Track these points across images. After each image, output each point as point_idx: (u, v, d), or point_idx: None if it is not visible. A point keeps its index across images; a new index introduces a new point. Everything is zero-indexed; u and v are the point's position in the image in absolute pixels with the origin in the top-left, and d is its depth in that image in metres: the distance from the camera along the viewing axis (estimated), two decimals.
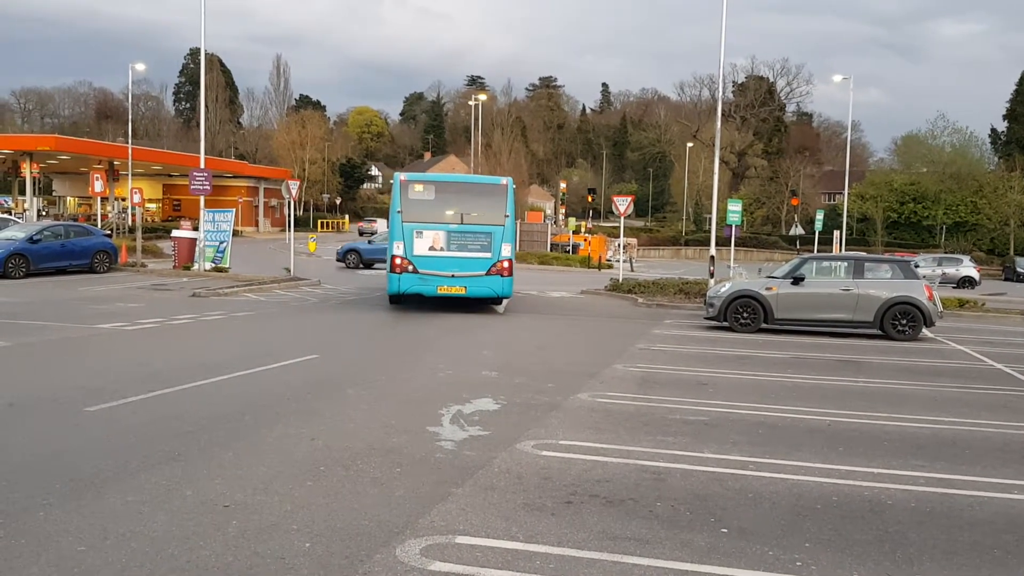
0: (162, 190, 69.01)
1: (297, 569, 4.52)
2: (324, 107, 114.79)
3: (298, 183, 30.33)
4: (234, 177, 64.86)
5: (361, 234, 59.32)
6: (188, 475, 6.06)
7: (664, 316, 19.70)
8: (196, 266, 26.06)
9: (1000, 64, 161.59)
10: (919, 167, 73.23)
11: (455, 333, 15.06)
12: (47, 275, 23.44)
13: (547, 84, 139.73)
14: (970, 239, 65.30)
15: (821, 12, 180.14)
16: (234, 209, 31.93)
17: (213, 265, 25.89)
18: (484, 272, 17.60)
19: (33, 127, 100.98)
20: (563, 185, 72.32)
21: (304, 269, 28.17)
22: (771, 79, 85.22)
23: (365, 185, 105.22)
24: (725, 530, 5.37)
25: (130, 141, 49.80)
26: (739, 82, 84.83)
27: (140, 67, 54.47)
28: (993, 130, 77.50)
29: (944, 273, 36.99)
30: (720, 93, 28.28)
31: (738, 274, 24.78)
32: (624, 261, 35.48)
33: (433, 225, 17.62)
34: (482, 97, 70.82)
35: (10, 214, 39.79)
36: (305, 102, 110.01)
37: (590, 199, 58.74)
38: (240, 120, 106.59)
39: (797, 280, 16.74)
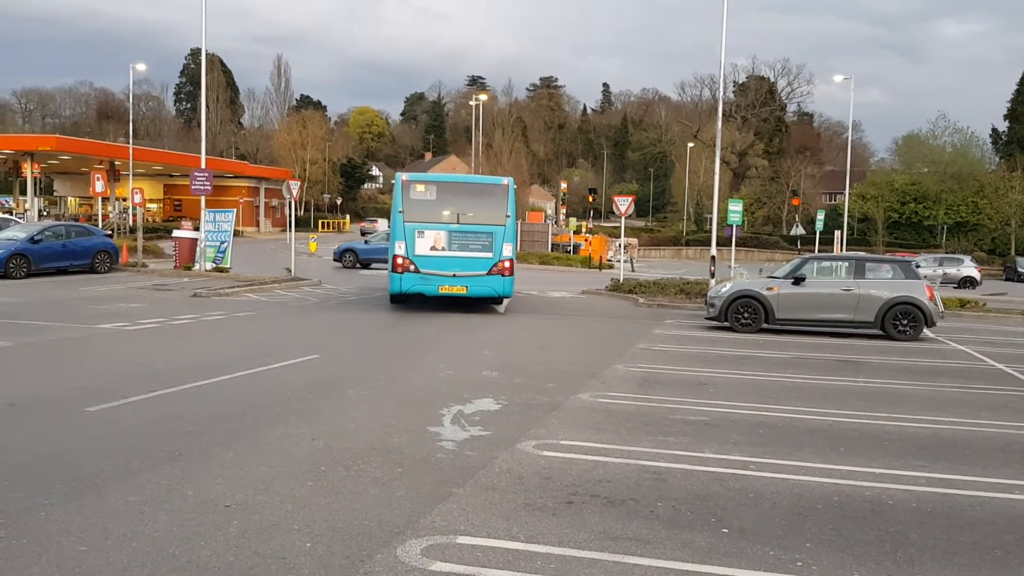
0: (163, 190, 69.05)
1: (298, 569, 4.52)
2: (325, 107, 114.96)
3: (299, 183, 30.34)
4: (235, 177, 64.88)
5: (363, 234, 59.29)
6: (189, 475, 6.06)
7: (665, 316, 19.70)
8: (197, 266, 26.07)
9: (1001, 64, 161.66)
10: (920, 167, 73.23)
11: (456, 333, 15.06)
12: (48, 275, 23.45)
13: (548, 84, 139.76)
14: (971, 239, 65.28)
15: (822, 12, 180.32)
16: (235, 209, 31.94)
17: (214, 265, 25.90)
18: (485, 272, 17.63)
19: (34, 127, 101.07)
20: (564, 185, 72.28)
21: (305, 269, 28.19)
22: (772, 79, 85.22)
23: (366, 185, 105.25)
24: (726, 530, 5.37)
25: (131, 141, 49.80)
26: (740, 82, 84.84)
27: (141, 67, 54.56)
28: (994, 130, 77.46)
29: (945, 273, 36.98)
30: (721, 93, 28.31)
31: (739, 274, 24.77)
32: (625, 261, 35.48)
33: (435, 225, 17.65)
34: (483, 97, 70.86)
35: (11, 214, 39.80)
36: (306, 102, 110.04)
37: (591, 199, 58.73)
38: (241, 120, 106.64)
39: (798, 280, 16.74)
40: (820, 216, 42.27)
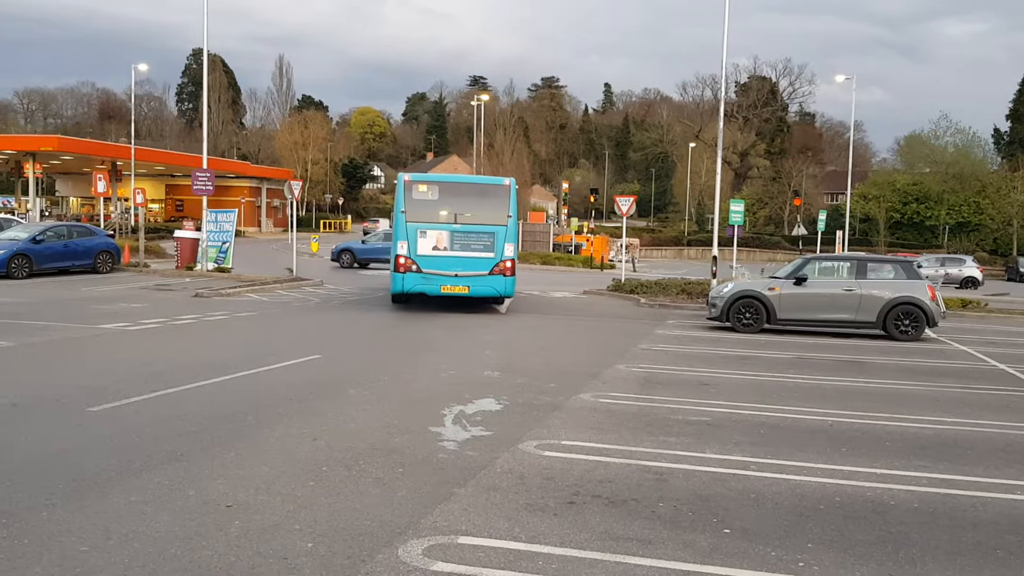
0: (165, 190, 69.12)
1: (299, 569, 4.52)
2: (327, 107, 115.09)
3: (300, 183, 30.35)
4: (237, 177, 64.92)
5: (365, 234, 59.40)
6: (191, 475, 6.07)
7: (666, 316, 19.70)
8: (199, 266, 26.10)
9: (1003, 64, 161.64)
10: (922, 167, 73.16)
11: (457, 333, 15.06)
12: (50, 275, 23.47)
13: (550, 84, 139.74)
14: (973, 239, 65.21)
15: (824, 12, 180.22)
16: (237, 209, 31.98)
17: (216, 265, 25.92)
18: (487, 272, 17.66)
19: (36, 127, 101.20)
20: (565, 185, 72.16)
21: (306, 269, 28.20)
22: (774, 79, 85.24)
23: (368, 185, 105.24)
24: (727, 530, 5.37)
25: (133, 141, 49.85)
26: (742, 82, 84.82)
27: (143, 67, 54.70)
28: (996, 130, 77.44)
29: (947, 273, 36.97)
30: (723, 93, 28.22)
31: (740, 274, 24.80)
32: (626, 261, 35.47)
33: (437, 225, 17.68)
34: (484, 97, 70.89)
35: (13, 214, 39.83)
36: (308, 102, 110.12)
37: (592, 199, 58.68)
38: (243, 120, 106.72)
39: (800, 280, 16.73)
40: (822, 216, 42.24)
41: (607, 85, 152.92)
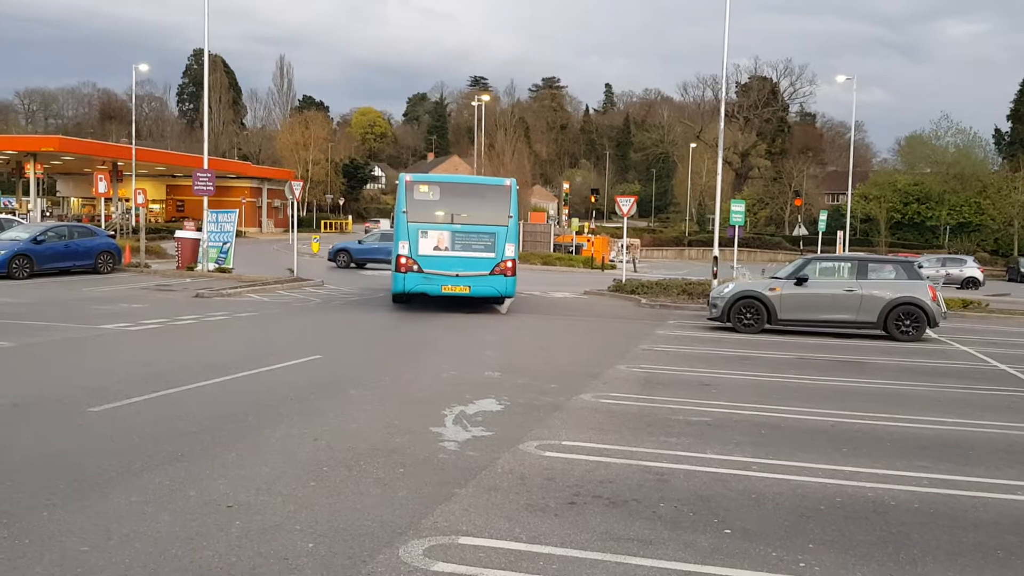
0: (166, 191, 69.16)
1: (300, 569, 4.52)
2: (327, 108, 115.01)
3: (301, 184, 30.38)
4: (237, 178, 64.95)
5: (366, 234, 59.43)
6: (192, 475, 6.07)
7: (667, 317, 19.69)
8: (200, 267, 26.11)
9: (1004, 64, 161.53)
10: (923, 168, 73.16)
11: (458, 333, 15.07)
12: (51, 276, 23.48)
13: (550, 84, 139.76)
14: (974, 240, 65.21)
15: (824, 12, 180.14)
16: (237, 210, 31.98)
17: (216, 266, 25.93)
18: (488, 272, 17.69)
19: (37, 128, 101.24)
20: (566, 186, 72.08)
21: (307, 270, 28.21)
22: (774, 79, 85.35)
23: (368, 186, 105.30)
24: (728, 531, 5.37)
25: (134, 142, 49.91)
26: (742, 82, 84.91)
27: (144, 68, 54.72)
28: (997, 130, 77.39)
29: (948, 274, 36.95)
30: (724, 94, 28.23)
31: (741, 275, 24.79)
32: (627, 262, 35.46)
33: (438, 225, 17.72)
34: (485, 98, 70.88)
35: (14, 215, 39.86)
36: (308, 103, 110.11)
37: (593, 200, 58.72)
38: (243, 121, 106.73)
39: (801, 281, 16.73)
40: (823, 216, 42.21)
41: (608, 85, 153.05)
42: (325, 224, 75.40)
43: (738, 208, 27.36)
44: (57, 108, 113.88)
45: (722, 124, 26.99)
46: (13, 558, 4.54)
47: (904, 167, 77.51)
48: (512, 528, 5.25)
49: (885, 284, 16.71)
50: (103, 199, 42.81)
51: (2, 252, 22.39)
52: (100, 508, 5.34)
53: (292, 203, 29.81)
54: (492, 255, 17.69)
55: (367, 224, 71.78)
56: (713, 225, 29.65)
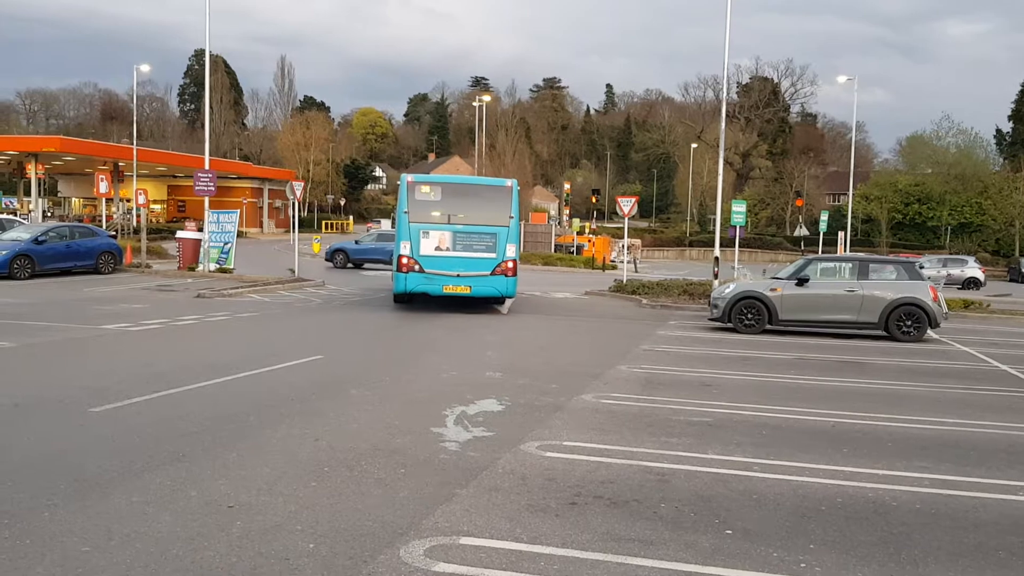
0: (167, 191, 69.21)
1: (301, 570, 4.52)
2: (328, 108, 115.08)
3: (302, 184, 30.40)
4: (238, 178, 64.98)
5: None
6: (193, 475, 6.07)
7: (668, 317, 19.69)
8: (201, 267, 26.12)
9: (1005, 64, 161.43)
10: (924, 168, 73.13)
11: (459, 333, 15.07)
12: (52, 276, 23.49)
13: (551, 85, 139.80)
14: (975, 240, 65.16)
15: (824, 12, 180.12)
16: (238, 210, 31.97)
17: (217, 266, 25.94)
18: (489, 272, 17.73)
19: (38, 128, 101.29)
20: (567, 186, 72.14)
21: (308, 270, 28.22)
22: (775, 80, 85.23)
23: (369, 186, 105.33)
24: (729, 531, 5.36)
25: (135, 142, 49.89)
26: (743, 83, 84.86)
27: (145, 68, 54.70)
28: (998, 131, 77.30)
29: (949, 274, 36.94)
30: (725, 94, 28.24)
31: (742, 275, 24.77)
32: (628, 262, 35.46)
33: (439, 225, 17.76)
34: (486, 98, 70.81)
35: (15, 215, 39.89)
36: (309, 103, 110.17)
37: (594, 200, 58.66)
38: (245, 121, 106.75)
39: (801, 281, 16.73)
40: (824, 217, 42.23)
41: (609, 86, 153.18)
42: (326, 225, 75.43)
43: (739, 208, 27.36)
44: (58, 108, 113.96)
45: (723, 124, 26.99)
46: (14, 558, 4.54)
47: (905, 167, 77.49)
48: (513, 528, 5.25)
49: (886, 284, 16.71)
50: (104, 199, 42.88)
51: (3, 252, 22.41)
52: (101, 508, 5.34)
53: (293, 203, 29.83)
54: (493, 255, 17.72)
55: (369, 225, 71.79)
56: (714, 225, 29.64)
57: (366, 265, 33.78)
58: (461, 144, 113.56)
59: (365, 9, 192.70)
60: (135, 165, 46.13)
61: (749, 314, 16.75)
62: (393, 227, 31.34)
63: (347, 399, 8.94)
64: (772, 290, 16.79)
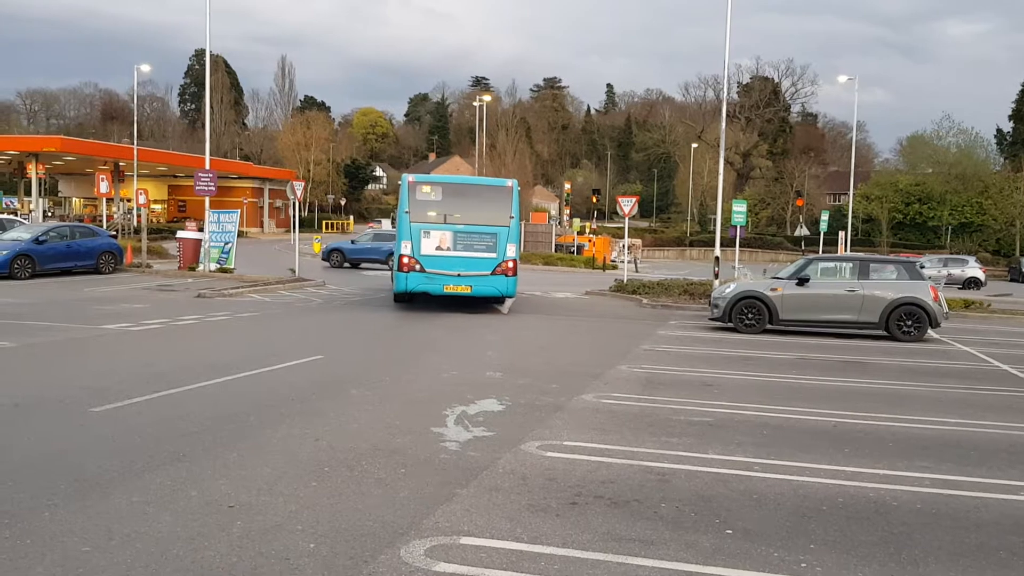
0: (167, 191, 69.23)
1: (301, 570, 4.52)
2: (329, 108, 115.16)
3: (303, 184, 30.40)
4: (239, 178, 65.01)
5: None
6: (193, 475, 6.07)
7: (669, 317, 19.68)
8: (201, 267, 26.12)
9: (1006, 64, 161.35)
10: (924, 168, 73.12)
11: (459, 333, 15.07)
12: (52, 276, 23.49)
13: (552, 85, 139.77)
14: (976, 240, 65.15)
15: (824, 12, 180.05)
16: (239, 210, 31.99)
17: (218, 266, 25.94)
18: (489, 272, 17.75)
19: (39, 128, 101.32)
20: (567, 186, 72.14)
21: (309, 270, 28.22)
22: (776, 80, 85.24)
23: (370, 186, 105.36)
24: (730, 531, 5.36)
25: (135, 142, 49.93)
26: (744, 83, 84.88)
27: (145, 68, 54.73)
28: (999, 131, 77.28)
29: (950, 274, 36.93)
30: (725, 94, 28.22)
31: (743, 275, 24.78)
32: (629, 262, 35.46)
33: (440, 225, 17.78)
34: (486, 98, 70.79)
35: (16, 215, 39.90)
36: (310, 103, 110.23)
37: (595, 200, 58.71)
38: (245, 121, 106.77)
39: (802, 281, 16.73)
40: (824, 217, 42.21)
41: (609, 86, 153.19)
42: (326, 224, 75.44)
43: (740, 208, 27.36)
44: (59, 108, 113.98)
45: (724, 124, 26.98)
46: (15, 558, 4.54)
47: (906, 167, 77.47)
48: (514, 528, 5.25)
49: (887, 284, 16.70)
50: (105, 199, 42.89)
51: (4, 252, 22.41)
52: (101, 508, 5.34)
53: (294, 203, 29.82)
54: (494, 255, 17.75)
55: (370, 224, 71.79)
56: (714, 225, 29.64)
57: (362, 265, 33.92)
58: (461, 144, 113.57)
59: (365, 9, 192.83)
60: (135, 165, 46.17)
61: (750, 314, 16.74)
62: (394, 227, 31.41)
63: (347, 399, 8.94)
64: (773, 290, 16.79)
